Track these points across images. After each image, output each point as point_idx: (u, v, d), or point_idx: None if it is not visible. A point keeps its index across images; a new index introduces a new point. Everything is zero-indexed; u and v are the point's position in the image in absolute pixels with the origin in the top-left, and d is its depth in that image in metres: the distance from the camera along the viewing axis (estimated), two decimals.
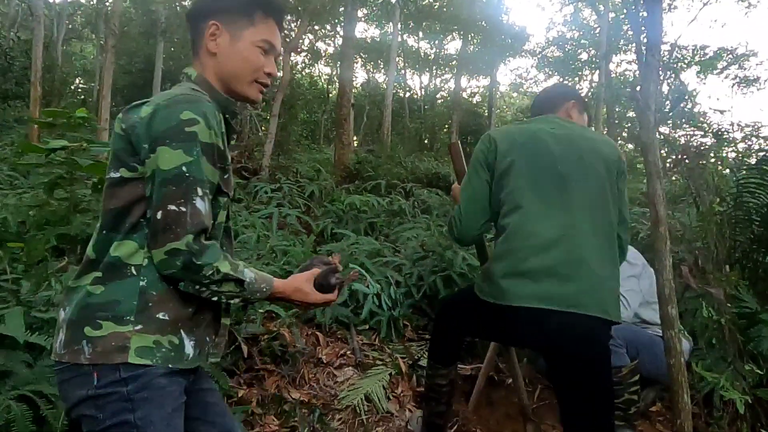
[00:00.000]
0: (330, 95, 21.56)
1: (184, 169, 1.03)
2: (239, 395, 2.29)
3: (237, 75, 1.20)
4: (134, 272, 1.06)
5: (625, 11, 16.84)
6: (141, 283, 1.06)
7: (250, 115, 12.96)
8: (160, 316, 1.06)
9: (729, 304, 1.44)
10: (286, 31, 19.13)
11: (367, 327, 3.14)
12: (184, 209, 1.02)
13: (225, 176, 1.15)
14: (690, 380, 2.56)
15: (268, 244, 3.69)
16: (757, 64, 20.61)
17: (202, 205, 1.04)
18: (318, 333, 2.97)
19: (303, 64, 22.82)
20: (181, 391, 1.10)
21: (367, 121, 20.16)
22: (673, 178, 5.54)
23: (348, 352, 2.87)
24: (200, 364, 1.14)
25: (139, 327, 1.03)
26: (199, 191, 1.04)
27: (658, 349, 2.20)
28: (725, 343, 2.08)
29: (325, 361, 2.74)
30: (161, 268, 1.04)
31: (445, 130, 20.15)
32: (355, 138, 17.93)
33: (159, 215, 1.02)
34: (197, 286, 1.06)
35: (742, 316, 2.68)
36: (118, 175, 1.08)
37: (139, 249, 1.07)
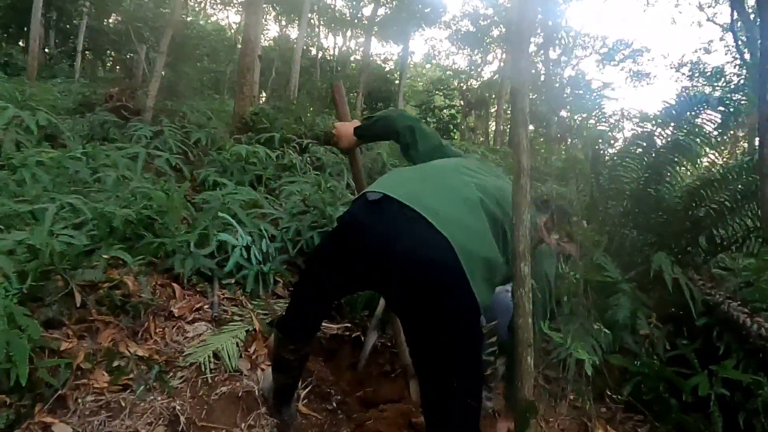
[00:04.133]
0: (238, 45, 20.49)
1: None
2: (61, 348, 1.99)
3: None
4: None
5: None
6: None
7: (145, 55, 11.95)
8: None
9: (580, 261, 1.39)
10: None
11: (232, 281, 2.91)
12: None
13: None
14: (546, 346, 2.60)
15: (131, 185, 3.32)
16: (648, 60, 22.07)
17: None
18: (175, 285, 2.69)
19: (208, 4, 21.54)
20: None
21: (276, 77, 19.40)
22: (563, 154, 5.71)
23: (205, 307, 2.62)
24: None
25: None
26: None
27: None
28: (578, 305, 2.09)
29: (176, 315, 2.48)
30: None
31: (355, 93, 19.86)
32: (263, 94, 17.23)
33: None
34: None
35: (604, 285, 2.74)
36: None
37: None
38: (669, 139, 2.96)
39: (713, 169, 3.17)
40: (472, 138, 21.56)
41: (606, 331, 2.45)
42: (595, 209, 3.25)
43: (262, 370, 2.25)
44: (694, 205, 3.17)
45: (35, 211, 2.64)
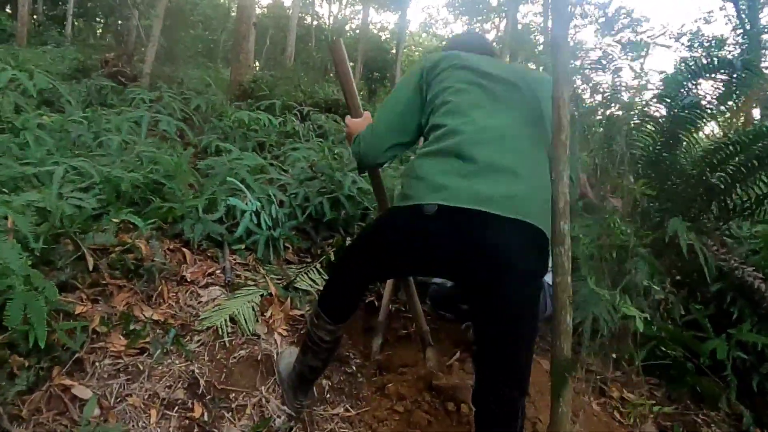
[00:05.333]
0: (232, 14, 20.06)
1: None
2: (77, 311, 1.96)
3: None
4: None
5: None
6: None
7: (138, 22, 11.67)
8: None
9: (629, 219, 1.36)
10: None
11: (243, 247, 2.86)
12: None
13: None
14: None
15: (136, 149, 3.24)
16: (648, 30, 21.91)
17: None
18: (185, 250, 2.64)
19: None
20: None
21: (270, 45, 19.12)
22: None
23: (218, 272, 2.59)
24: None
25: None
26: None
27: None
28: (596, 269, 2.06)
29: (189, 280, 2.44)
30: None
31: (353, 63, 19.55)
32: (257, 63, 16.94)
33: None
34: None
35: (618, 249, 2.72)
36: None
37: None
38: (688, 101, 2.90)
39: (729, 134, 3.12)
40: None
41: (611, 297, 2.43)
42: (608, 174, 3.21)
43: (280, 334, 2.23)
44: (708, 171, 3.13)
45: (40, 175, 2.58)
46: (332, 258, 2.91)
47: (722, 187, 3.17)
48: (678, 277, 3.04)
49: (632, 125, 2.99)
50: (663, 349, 2.54)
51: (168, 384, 1.89)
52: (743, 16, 15.02)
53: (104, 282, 2.17)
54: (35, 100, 3.94)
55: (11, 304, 1.62)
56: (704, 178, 3.20)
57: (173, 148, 3.72)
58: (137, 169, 2.96)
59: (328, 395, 2.03)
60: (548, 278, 2.27)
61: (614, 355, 2.67)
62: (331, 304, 1.74)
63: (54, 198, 2.23)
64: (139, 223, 2.39)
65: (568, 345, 1.30)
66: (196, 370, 1.95)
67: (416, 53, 25.73)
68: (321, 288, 2.68)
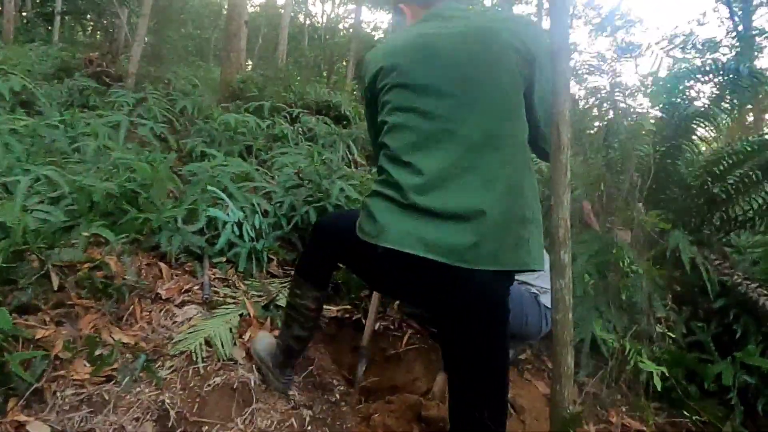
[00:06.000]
0: (224, 11, 19.86)
1: None
2: (37, 336, 1.81)
3: None
4: None
5: None
6: None
7: (125, 20, 11.45)
8: None
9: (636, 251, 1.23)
10: None
11: (224, 259, 2.72)
12: None
13: None
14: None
15: (112, 156, 3.08)
16: (642, 31, 21.86)
17: None
18: (161, 264, 2.50)
19: None
20: None
21: (263, 44, 18.93)
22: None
23: (195, 288, 2.44)
24: None
25: None
26: None
27: (527, 307, 2.03)
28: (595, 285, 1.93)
29: (164, 297, 2.30)
30: None
31: (344, 62, 19.39)
32: (249, 62, 16.74)
33: None
34: None
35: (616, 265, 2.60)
36: None
37: None
38: (692, 109, 2.79)
39: (736, 143, 3.01)
40: None
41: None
42: (606, 184, 3.09)
43: None
44: (710, 180, 3.02)
45: (7, 184, 2.43)
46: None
47: (724, 197, 3.06)
48: (678, 288, 2.92)
49: (632, 131, 2.87)
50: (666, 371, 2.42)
51: (135, 416, 1.74)
52: (736, 18, 14.98)
53: (70, 302, 2.02)
54: (10, 102, 3.77)
55: None
56: (706, 188, 3.09)
57: (153, 154, 3.55)
58: (113, 177, 2.81)
59: (309, 427, 1.88)
60: (546, 300, 2.16)
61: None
62: (310, 271, 1.74)
63: (17, 211, 2.08)
64: (110, 236, 2.24)
65: (568, 390, 1.17)
66: (167, 400, 1.81)
67: None
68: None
